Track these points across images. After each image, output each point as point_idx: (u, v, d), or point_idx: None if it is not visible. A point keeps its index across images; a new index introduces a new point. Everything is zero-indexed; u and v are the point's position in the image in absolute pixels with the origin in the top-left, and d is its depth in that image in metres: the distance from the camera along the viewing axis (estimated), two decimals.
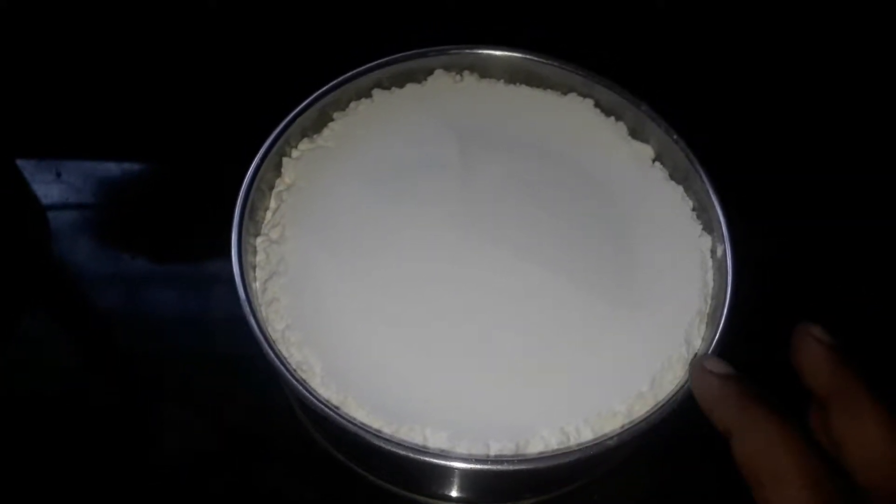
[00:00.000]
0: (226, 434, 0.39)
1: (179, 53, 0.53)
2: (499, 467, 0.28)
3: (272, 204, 0.36)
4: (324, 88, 0.38)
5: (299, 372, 0.31)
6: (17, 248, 0.46)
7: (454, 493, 0.35)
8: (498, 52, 0.40)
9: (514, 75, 0.41)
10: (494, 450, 0.29)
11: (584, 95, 0.40)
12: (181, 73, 0.52)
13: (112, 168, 0.49)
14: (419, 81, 0.41)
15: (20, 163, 0.48)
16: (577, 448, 0.29)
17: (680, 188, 0.38)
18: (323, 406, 0.29)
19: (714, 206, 0.35)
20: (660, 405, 0.31)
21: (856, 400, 0.25)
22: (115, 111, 0.51)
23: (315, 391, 0.30)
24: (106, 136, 0.50)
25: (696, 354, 0.33)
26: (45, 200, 0.47)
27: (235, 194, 0.34)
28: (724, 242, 0.34)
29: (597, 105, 0.40)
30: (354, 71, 0.39)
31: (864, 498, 0.24)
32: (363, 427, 0.29)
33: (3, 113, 0.50)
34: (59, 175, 0.48)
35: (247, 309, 0.31)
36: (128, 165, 0.50)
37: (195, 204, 0.47)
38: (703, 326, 0.34)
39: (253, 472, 0.38)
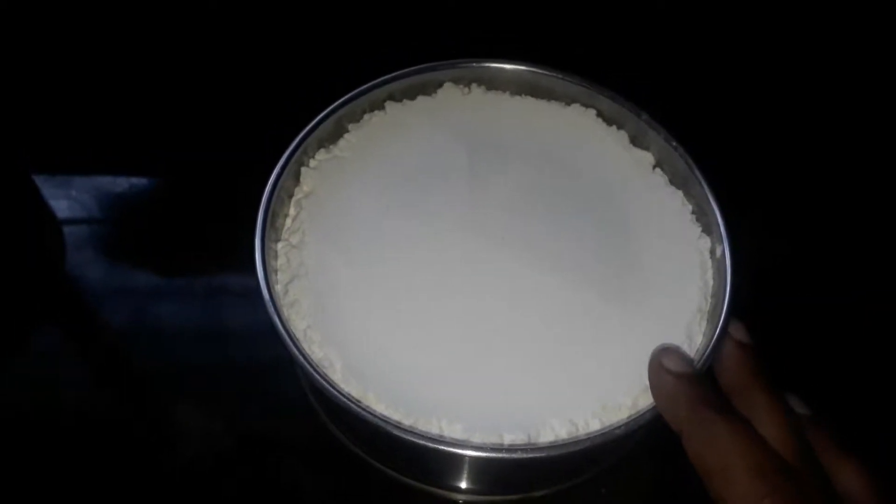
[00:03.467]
0: (242, 436, 0.41)
1: (194, 69, 0.55)
2: (513, 456, 0.30)
3: (291, 211, 0.38)
4: (339, 101, 0.40)
5: (321, 369, 0.32)
6: (33, 262, 0.47)
7: (468, 485, 0.37)
8: (505, 66, 0.42)
9: (519, 87, 0.43)
10: (508, 440, 0.31)
11: (587, 106, 0.42)
12: (196, 88, 0.54)
13: (123, 183, 0.51)
14: (429, 94, 0.42)
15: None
16: (586, 437, 0.31)
17: (680, 193, 0.40)
18: (346, 399, 0.31)
19: (713, 209, 0.37)
20: None
21: (752, 396, 0.28)
22: (128, 125, 0.52)
23: (337, 385, 0.31)
24: (118, 150, 0.52)
25: (696, 349, 0.34)
26: (58, 215, 0.49)
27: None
28: (722, 243, 0.36)
29: (599, 115, 0.42)
30: (368, 84, 0.41)
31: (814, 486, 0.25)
32: (384, 419, 0.31)
33: (20, 128, 0.51)
34: (70, 190, 0.50)
35: (271, 309, 0.32)
36: (138, 180, 0.51)
37: (209, 216, 0.48)
38: (704, 323, 0.35)
39: (270, 469, 0.39)
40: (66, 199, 0.50)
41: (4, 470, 0.38)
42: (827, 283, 0.47)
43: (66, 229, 0.48)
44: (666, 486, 0.40)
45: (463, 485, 0.37)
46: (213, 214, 0.48)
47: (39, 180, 0.50)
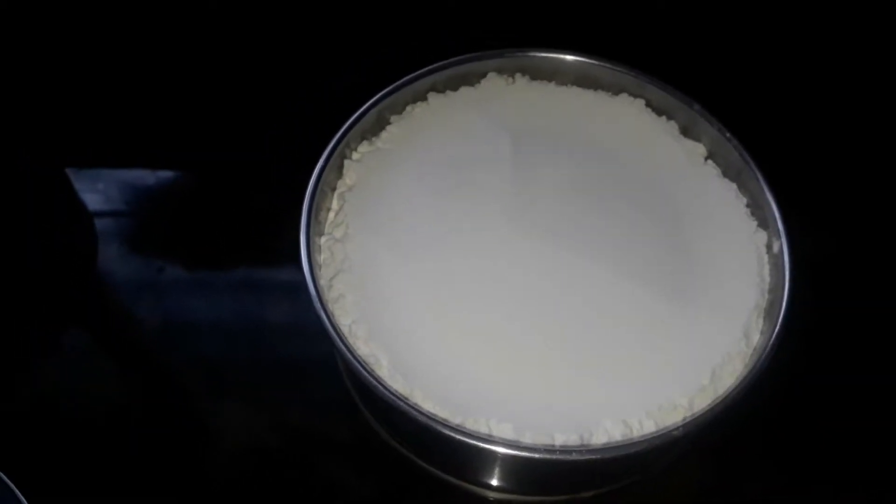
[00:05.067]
0: (288, 431, 0.40)
1: (231, 62, 0.54)
2: (567, 457, 0.29)
3: (335, 204, 0.37)
4: (382, 93, 0.39)
5: (368, 365, 0.32)
6: (67, 255, 0.47)
7: (513, 485, 0.36)
8: (550, 55, 0.41)
9: (565, 77, 0.42)
10: (559, 441, 0.30)
11: (636, 96, 0.41)
12: (234, 81, 0.54)
13: (153, 177, 0.51)
14: (472, 84, 0.42)
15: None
16: (641, 439, 0.30)
17: (733, 185, 0.38)
18: (394, 397, 0.30)
19: (769, 202, 0.36)
20: (720, 398, 0.31)
21: None
22: (164, 119, 0.52)
23: (385, 382, 0.31)
24: (156, 144, 0.51)
25: (754, 348, 0.33)
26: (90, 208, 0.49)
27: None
28: (780, 238, 0.35)
29: (648, 105, 0.41)
30: (411, 75, 0.40)
31: None
32: (433, 417, 0.30)
33: (54, 123, 0.51)
34: (99, 183, 0.50)
35: (318, 305, 0.32)
36: (172, 173, 0.51)
37: (248, 210, 0.48)
38: (761, 321, 0.34)
39: (316, 466, 0.39)
40: (95, 192, 0.50)
41: (40, 468, 0.37)
42: (885, 274, 0.45)
43: (98, 222, 0.48)
44: (714, 490, 0.39)
45: (508, 485, 0.36)
46: (253, 208, 0.48)
47: (70, 173, 0.50)
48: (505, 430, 0.30)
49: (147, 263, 0.46)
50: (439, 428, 0.30)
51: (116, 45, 0.54)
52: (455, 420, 0.30)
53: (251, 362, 0.42)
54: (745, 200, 0.38)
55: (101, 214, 0.49)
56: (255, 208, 0.47)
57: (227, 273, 0.47)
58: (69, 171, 0.50)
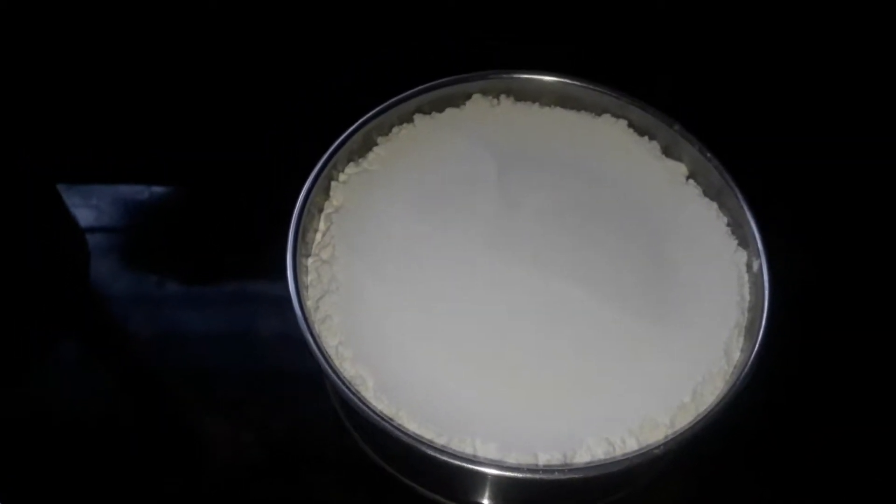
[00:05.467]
0: (274, 447, 0.40)
1: (220, 82, 0.55)
2: (550, 477, 0.30)
3: (321, 225, 0.38)
4: (368, 115, 0.39)
5: (353, 386, 0.32)
6: (59, 269, 0.47)
7: (500, 503, 0.36)
8: (534, 77, 0.42)
9: (549, 98, 0.42)
10: (543, 460, 0.30)
11: (618, 116, 0.42)
12: (222, 103, 0.54)
13: (149, 192, 0.51)
14: (458, 106, 0.42)
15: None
16: (623, 457, 0.30)
17: (714, 205, 0.39)
18: (379, 418, 0.30)
19: (749, 222, 0.36)
20: (701, 415, 0.32)
21: None
22: (149, 136, 0.52)
23: (370, 403, 0.31)
24: (141, 159, 0.52)
25: (735, 365, 0.34)
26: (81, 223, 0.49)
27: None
28: (759, 257, 0.36)
29: (630, 125, 0.42)
30: (397, 97, 0.40)
31: None
32: (416, 437, 0.30)
33: (40, 139, 0.52)
34: (91, 199, 0.50)
35: (304, 326, 0.32)
36: (167, 189, 0.51)
37: (237, 226, 0.48)
38: (742, 339, 0.35)
39: (301, 483, 0.39)
40: (88, 207, 0.50)
41: (31, 477, 0.38)
42: (865, 291, 0.46)
43: (90, 237, 0.48)
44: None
45: (493, 502, 0.37)
46: (244, 224, 0.48)
47: (62, 189, 0.50)
48: (490, 450, 0.31)
49: (140, 277, 0.47)
50: (424, 448, 0.30)
51: (107, 48, 0.55)
52: (441, 440, 0.31)
53: (240, 376, 0.43)
54: (725, 220, 0.38)
55: (93, 230, 0.49)
56: (246, 225, 0.48)
57: (213, 286, 0.47)
58: (61, 187, 0.50)
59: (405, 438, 0.30)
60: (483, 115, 0.42)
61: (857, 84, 0.54)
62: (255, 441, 0.40)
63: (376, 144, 0.41)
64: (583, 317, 0.34)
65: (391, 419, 0.31)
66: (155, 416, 0.42)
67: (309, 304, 0.35)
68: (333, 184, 0.39)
